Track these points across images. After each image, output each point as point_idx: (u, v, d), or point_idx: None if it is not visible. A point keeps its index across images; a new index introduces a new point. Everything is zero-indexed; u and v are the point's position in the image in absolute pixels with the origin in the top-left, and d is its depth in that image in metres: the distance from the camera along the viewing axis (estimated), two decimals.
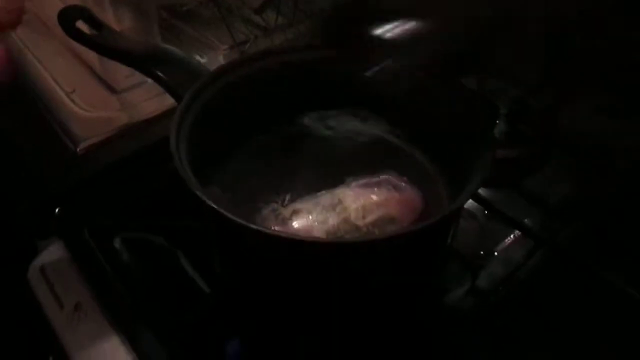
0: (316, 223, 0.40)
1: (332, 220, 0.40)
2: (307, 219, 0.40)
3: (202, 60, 0.64)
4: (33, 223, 0.48)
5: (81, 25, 0.46)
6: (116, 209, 0.49)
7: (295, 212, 0.41)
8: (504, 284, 0.45)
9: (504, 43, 0.45)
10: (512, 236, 0.50)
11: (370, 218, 0.40)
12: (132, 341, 0.40)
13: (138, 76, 0.61)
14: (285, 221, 0.40)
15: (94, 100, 0.59)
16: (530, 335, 0.43)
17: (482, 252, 0.49)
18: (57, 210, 0.47)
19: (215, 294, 0.43)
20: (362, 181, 0.44)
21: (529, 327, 0.44)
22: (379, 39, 0.45)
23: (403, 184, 0.44)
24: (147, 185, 0.51)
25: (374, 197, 0.42)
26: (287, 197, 0.42)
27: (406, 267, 0.38)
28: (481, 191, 0.53)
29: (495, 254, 0.49)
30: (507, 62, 0.48)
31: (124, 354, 0.40)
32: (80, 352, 0.41)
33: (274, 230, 0.38)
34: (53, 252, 0.48)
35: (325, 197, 0.42)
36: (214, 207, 0.32)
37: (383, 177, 0.44)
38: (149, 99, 0.59)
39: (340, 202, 0.41)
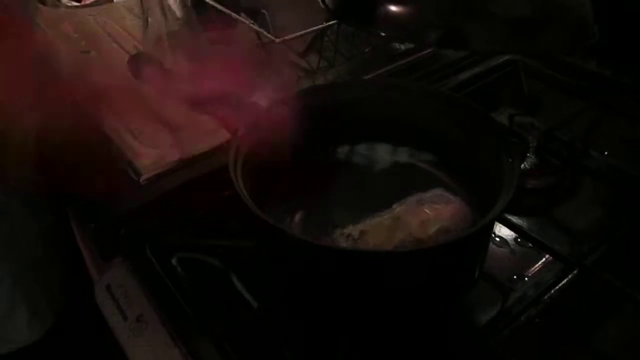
0: (384, 240, 0.43)
1: (399, 236, 0.43)
2: (376, 238, 0.44)
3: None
4: (100, 243, 0.53)
5: (147, 70, 0.52)
6: (173, 230, 0.54)
7: (363, 233, 0.44)
8: (534, 305, 0.48)
9: None
10: (542, 260, 0.53)
11: (431, 231, 0.44)
12: (188, 348, 0.44)
13: (192, 116, 0.67)
14: (356, 241, 0.44)
15: (154, 137, 0.65)
16: (560, 354, 0.46)
17: (515, 277, 0.52)
18: (122, 231, 0.53)
19: (264, 307, 0.47)
20: (415, 198, 0.47)
21: (558, 345, 0.46)
22: None
23: (452, 197, 0.48)
24: (198, 211, 0.57)
25: (429, 212, 0.45)
26: (347, 220, 0.46)
27: (442, 277, 0.42)
28: (513, 218, 0.55)
29: (526, 279, 0.51)
30: None
31: None
32: (141, 358, 0.46)
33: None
34: (116, 272, 0.53)
35: (386, 217, 0.45)
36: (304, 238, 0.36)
37: (434, 192, 0.48)
38: (201, 137, 0.65)
39: (400, 219, 0.45)
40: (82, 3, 1.12)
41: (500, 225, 0.55)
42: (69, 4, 1.07)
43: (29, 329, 0.64)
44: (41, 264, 0.65)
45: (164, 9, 0.63)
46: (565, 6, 0.41)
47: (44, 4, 0.98)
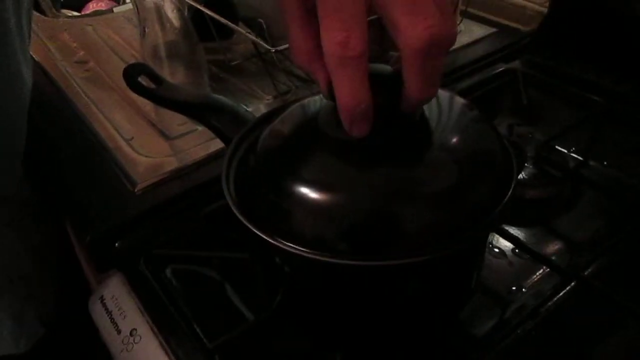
0: None
1: None
2: None
3: (248, 109, 0.70)
4: (95, 256, 0.53)
5: (143, 80, 0.52)
6: (168, 241, 0.54)
7: None
8: (533, 317, 0.47)
9: None
10: (540, 272, 0.52)
11: None
12: None
13: (189, 125, 0.67)
14: None
15: (150, 146, 0.65)
16: None
17: (513, 288, 0.51)
18: (117, 244, 0.52)
19: (259, 320, 0.47)
20: None
21: (557, 358, 0.45)
22: None
23: None
24: (194, 221, 0.56)
25: None
26: None
27: (436, 288, 0.41)
28: (510, 229, 0.55)
29: (524, 289, 0.51)
30: None
31: None
32: None
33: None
34: (110, 284, 0.53)
35: None
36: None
37: None
38: (197, 145, 0.65)
39: None
40: (82, 13, 1.13)
41: (498, 236, 0.55)
42: (68, 14, 1.08)
43: (14, 340, 0.64)
44: (28, 280, 0.65)
45: (162, 18, 0.63)
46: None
47: (43, 14, 0.99)
